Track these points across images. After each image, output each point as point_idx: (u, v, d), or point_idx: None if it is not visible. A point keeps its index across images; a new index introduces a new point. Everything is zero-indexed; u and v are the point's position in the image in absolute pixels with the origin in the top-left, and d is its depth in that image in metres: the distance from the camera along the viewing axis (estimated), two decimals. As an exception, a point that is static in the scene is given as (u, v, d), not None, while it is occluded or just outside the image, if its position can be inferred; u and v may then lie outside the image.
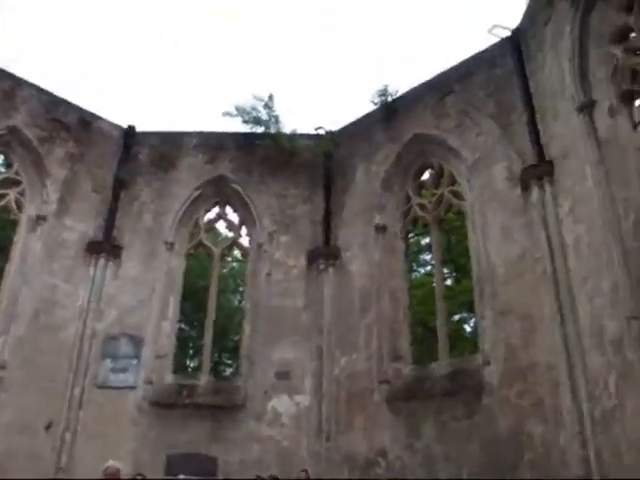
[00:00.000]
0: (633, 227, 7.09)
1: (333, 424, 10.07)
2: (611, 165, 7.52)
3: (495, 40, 10.51)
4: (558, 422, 7.58)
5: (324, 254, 11.42)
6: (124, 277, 11.45)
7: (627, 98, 7.78)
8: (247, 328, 11.48)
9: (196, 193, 12.34)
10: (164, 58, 39.75)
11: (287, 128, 12.67)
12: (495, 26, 10.38)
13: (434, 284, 12.20)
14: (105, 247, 11.43)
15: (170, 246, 11.85)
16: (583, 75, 8.18)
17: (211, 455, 10.06)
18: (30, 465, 9.52)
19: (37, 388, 10.00)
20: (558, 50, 8.74)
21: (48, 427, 9.95)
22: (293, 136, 12.52)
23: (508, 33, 10.37)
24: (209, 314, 11.97)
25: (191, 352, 20.46)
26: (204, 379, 11.21)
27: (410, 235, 12.57)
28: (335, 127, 12.73)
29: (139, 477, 8.18)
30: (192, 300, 16.28)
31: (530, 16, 9.86)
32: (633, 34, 7.70)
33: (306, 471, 9.13)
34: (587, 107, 8.01)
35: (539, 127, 9.25)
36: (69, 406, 10.18)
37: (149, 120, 37.14)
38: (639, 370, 6.46)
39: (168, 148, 12.60)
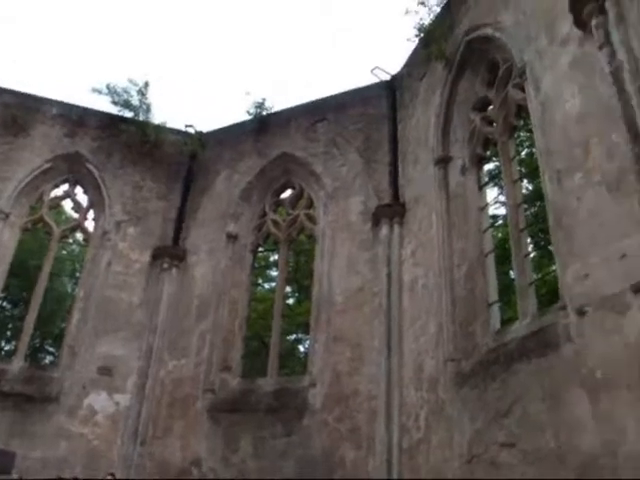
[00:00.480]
0: (464, 277, 7.78)
1: (151, 428, 9.72)
2: (455, 218, 8.22)
3: (375, 80, 11.08)
4: (370, 449, 7.99)
5: (170, 253, 11.14)
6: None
7: (477, 161, 8.60)
8: (75, 316, 10.76)
9: (46, 165, 11.49)
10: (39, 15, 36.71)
11: (157, 119, 12.29)
12: (377, 67, 10.96)
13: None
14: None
15: (5, 216, 10.89)
16: (445, 132, 8.91)
17: (8, 450, 9.23)
18: None
19: None
20: (428, 105, 9.43)
21: None
22: (161, 128, 12.14)
23: (387, 77, 10.99)
24: (36, 294, 11.09)
25: (9, 334, 18.75)
26: (17, 364, 10.29)
27: (260, 249, 12.70)
28: (206, 128, 12.59)
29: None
30: (21, 278, 15.01)
31: (408, 67, 10.55)
32: (491, 107, 8.55)
33: (112, 475, 8.73)
34: (443, 161, 8.73)
35: (399, 169, 9.87)
36: None
37: (7, 76, 33.99)
38: (448, 409, 7.05)
39: (23, 111, 11.64)
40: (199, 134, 12.40)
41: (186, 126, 12.50)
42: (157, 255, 11.15)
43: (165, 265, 11.00)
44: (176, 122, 12.77)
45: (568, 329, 5.57)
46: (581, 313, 5.44)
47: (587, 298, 5.40)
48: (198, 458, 9.20)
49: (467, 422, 6.66)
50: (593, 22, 5.54)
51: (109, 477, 8.55)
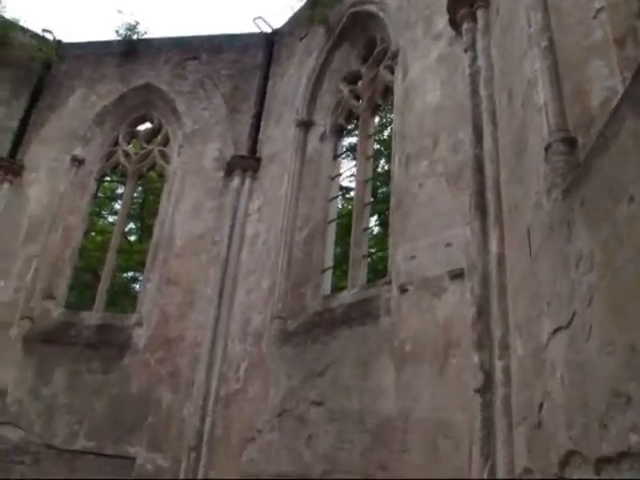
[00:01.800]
0: (304, 240, 7.95)
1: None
2: (306, 182, 8.33)
3: (256, 30, 10.75)
4: (188, 394, 7.98)
5: (5, 167, 10.08)
6: None
7: (338, 131, 8.74)
8: None
9: None
10: None
11: (8, 14, 10.97)
12: (260, 18, 10.62)
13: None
14: None
15: None
16: (313, 97, 8.93)
17: None
18: None
19: None
20: (302, 67, 9.36)
21: None
22: (12, 24, 10.86)
23: (269, 30, 10.71)
24: None
25: None
26: None
27: (107, 179, 12.00)
28: (67, 39, 11.50)
29: None
30: None
31: (291, 25, 10.36)
32: (361, 82, 8.70)
33: None
34: (305, 125, 8.76)
35: (262, 124, 9.75)
36: None
37: None
38: (269, 364, 7.24)
39: None
40: (57, 43, 11.28)
41: (43, 30, 11.31)
42: (-12, 165, 10.06)
43: (-3, 177, 9.98)
44: (32, 24, 11.52)
45: (389, 303, 5.91)
46: (403, 290, 5.79)
47: (410, 277, 5.76)
48: (4, 389, 8.60)
49: (284, 378, 6.89)
50: (464, 26, 5.79)
51: None
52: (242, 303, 8.16)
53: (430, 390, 5.03)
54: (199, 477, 7.31)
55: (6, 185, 10.05)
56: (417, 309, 5.56)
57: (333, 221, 8.24)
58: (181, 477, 7.42)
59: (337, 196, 8.94)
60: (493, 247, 4.62)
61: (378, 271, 8.47)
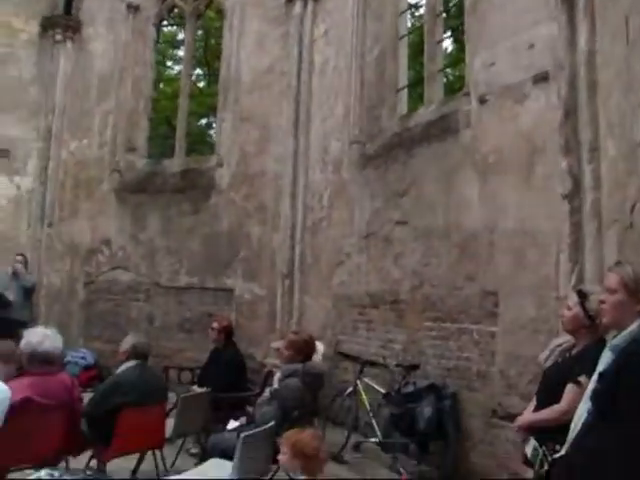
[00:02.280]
0: (375, 61, 7.54)
1: (57, 210, 9.63)
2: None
3: None
4: (275, 226, 8.32)
5: (63, 24, 9.89)
6: None
7: None
8: (-44, 95, 9.81)
9: None
10: None
11: None
12: None
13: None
14: None
15: None
16: None
17: None
18: None
19: None
20: None
21: None
22: None
23: None
24: None
25: None
26: None
27: (165, 23, 11.64)
28: None
29: None
30: None
31: None
32: None
33: (23, 255, 8.78)
34: None
35: None
36: None
37: None
38: (351, 189, 7.31)
39: None
40: None
41: None
42: (47, 25, 9.88)
43: (58, 37, 9.84)
44: None
45: (469, 116, 5.64)
46: (483, 101, 5.47)
47: (490, 86, 5.39)
48: (107, 238, 9.35)
49: (367, 201, 6.98)
50: None
51: (19, 257, 8.61)
52: (318, 132, 8.07)
53: (516, 200, 4.93)
54: (295, 302, 7.88)
55: (69, 44, 9.95)
56: (498, 118, 5.28)
57: (404, 37, 7.69)
58: (277, 303, 8.03)
59: (407, 10, 8.24)
60: (582, 43, 4.19)
61: (455, 90, 7.98)
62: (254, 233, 8.53)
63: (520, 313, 4.72)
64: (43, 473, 1.59)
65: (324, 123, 8.01)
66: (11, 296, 8.23)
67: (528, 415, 3.02)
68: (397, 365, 5.80)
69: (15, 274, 8.41)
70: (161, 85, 15.35)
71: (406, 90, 7.64)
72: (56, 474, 1.58)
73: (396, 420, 5.29)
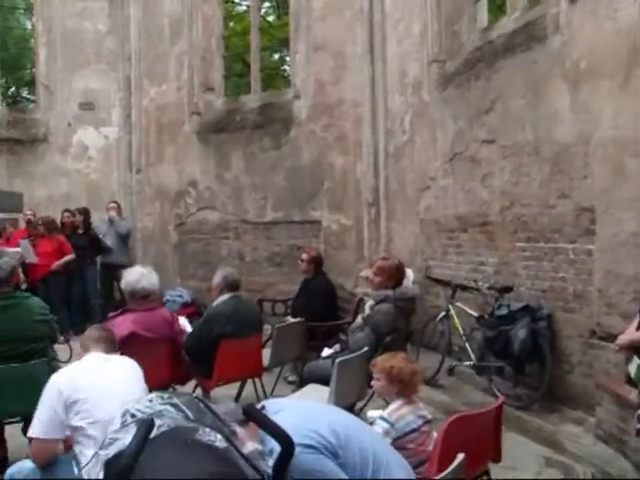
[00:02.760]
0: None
1: (143, 156, 10.07)
2: None
3: None
4: (357, 155, 8.26)
5: (129, -30, 10.02)
6: None
7: None
8: (42, 53, 10.24)
9: None
10: None
11: None
12: None
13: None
14: None
15: None
16: None
17: (15, 191, 9.66)
18: None
19: None
20: None
21: None
22: None
23: None
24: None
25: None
26: (-3, 112, 10.15)
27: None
28: None
29: None
30: None
31: None
32: None
33: (116, 202, 9.29)
34: None
35: None
36: None
37: None
38: (432, 111, 7.08)
39: None
40: None
41: None
42: (115, -26, 10.05)
43: (126, -16, 10.02)
44: None
45: (557, 19, 5.21)
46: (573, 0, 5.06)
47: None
48: (194, 179, 9.66)
49: (450, 122, 6.74)
50: None
51: (112, 204, 9.12)
52: (395, 54, 7.80)
53: (612, 107, 4.59)
54: (382, 229, 7.89)
55: (137, -10, 10.07)
56: (593, 18, 4.85)
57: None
58: (364, 232, 8.07)
59: None
60: None
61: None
62: (337, 163, 8.52)
63: (620, 228, 4.48)
64: (153, 396, 1.72)
65: (400, 45, 7.72)
66: (109, 242, 8.78)
67: (631, 334, 2.92)
68: (489, 288, 5.73)
69: (111, 221, 8.93)
70: (231, 23, 15.27)
71: (485, 0, 7.17)
72: (165, 396, 1.70)
73: (490, 343, 5.28)
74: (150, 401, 1.70)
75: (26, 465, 2.64)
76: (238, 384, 4.70)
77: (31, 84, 15.59)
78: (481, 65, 6.27)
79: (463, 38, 6.93)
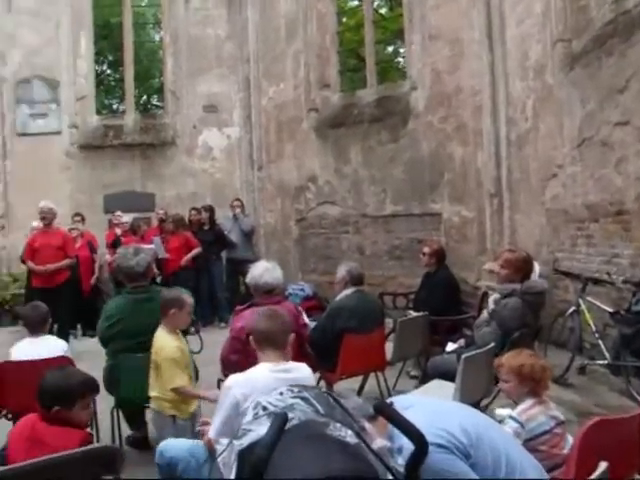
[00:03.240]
0: None
1: (264, 154, 10.42)
2: None
3: None
4: (477, 144, 8.00)
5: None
6: (19, 10, 10.24)
7: None
8: (169, 62, 10.96)
9: None
10: None
11: None
12: None
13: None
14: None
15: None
16: None
17: (147, 192, 10.42)
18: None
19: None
20: None
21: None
22: None
23: None
24: (126, 48, 11.23)
25: (116, 96, 19.62)
26: (130, 118, 10.97)
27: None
28: None
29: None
30: (109, 40, 15.19)
31: None
32: None
33: (239, 199, 9.68)
34: None
35: None
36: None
37: None
38: (556, 94, 6.68)
39: None
40: None
41: None
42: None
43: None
44: None
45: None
46: None
47: None
48: (313, 175, 9.83)
49: (577, 105, 6.33)
50: None
51: (236, 202, 9.52)
52: (515, 37, 7.45)
53: None
54: (505, 221, 7.59)
55: (254, -4, 10.41)
56: None
57: None
58: (487, 223, 7.81)
59: None
60: None
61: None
62: (457, 154, 8.32)
63: None
64: (284, 389, 1.77)
65: (520, 26, 7.36)
66: (234, 238, 9.17)
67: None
68: (625, 282, 5.33)
69: (235, 217, 9.32)
70: (343, 19, 15.34)
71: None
72: (295, 389, 1.75)
73: (627, 341, 4.90)
74: (281, 394, 1.75)
75: (178, 444, 2.87)
76: (360, 378, 4.73)
77: (159, 92, 16.71)
78: (614, 40, 5.82)
79: (592, 13, 6.47)
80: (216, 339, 4.60)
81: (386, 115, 9.11)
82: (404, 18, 9.20)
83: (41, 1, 10.34)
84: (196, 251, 8.63)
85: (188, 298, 3.66)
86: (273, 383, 2.49)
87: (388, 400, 1.99)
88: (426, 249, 6.46)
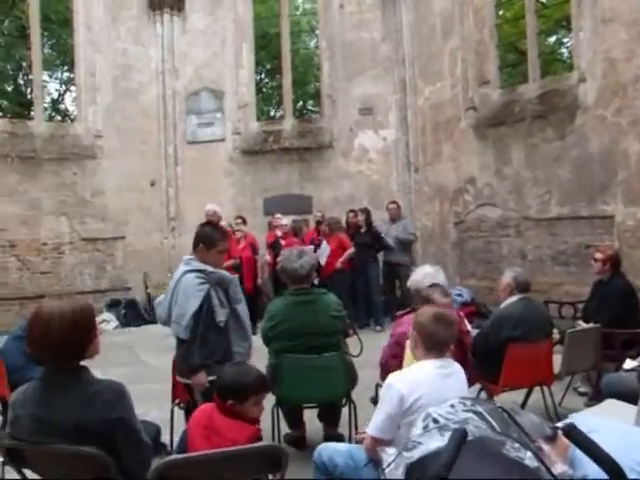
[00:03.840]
0: None
1: (420, 156, 10.36)
2: None
3: None
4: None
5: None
6: (192, 31, 11.25)
7: None
8: (325, 66, 11.30)
9: None
10: None
11: None
12: None
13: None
14: (167, 1, 11.01)
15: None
16: None
17: (305, 194, 10.79)
18: (145, 217, 10.78)
19: (134, 151, 10.77)
20: None
21: (152, 184, 10.96)
22: None
23: None
24: (284, 56, 11.75)
25: (274, 102, 20.63)
26: (288, 123, 11.46)
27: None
28: None
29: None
30: (267, 49, 16.00)
31: None
32: None
33: (395, 202, 9.65)
34: None
35: None
36: (166, 164, 11.07)
37: None
38: None
39: None
40: None
41: None
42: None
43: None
44: None
45: None
46: None
47: None
48: (472, 176, 9.54)
49: None
50: None
51: (392, 205, 9.50)
52: None
53: None
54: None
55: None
56: None
57: None
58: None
59: None
60: None
61: None
62: (632, 150, 7.58)
63: None
64: (455, 401, 1.71)
65: None
66: (391, 241, 9.14)
67: None
68: None
69: (392, 220, 9.32)
70: (500, 11, 14.72)
71: None
72: (468, 402, 1.68)
73: None
74: (452, 406, 1.70)
75: (338, 446, 2.93)
76: (524, 391, 4.49)
77: (315, 96, 17.24)
78: None
79: None
80: (371, 343, 4.61)
81: (550, 111, 8.57)
82: (571, 3, 8.60)
83: (210, 20, 11.25)
84: (350, 251, 8.73)
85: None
86: (436, 379, 2.54)
87: (567, 421, 1.85)
88: (598, 255, 5.97)
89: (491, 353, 4.10)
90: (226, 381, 2.66)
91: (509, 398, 4.30)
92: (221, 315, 3.57)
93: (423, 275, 4.00)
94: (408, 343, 2.99)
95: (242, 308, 3.79)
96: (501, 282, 4.49)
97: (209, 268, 3.61)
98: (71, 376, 2.21)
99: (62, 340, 2.12)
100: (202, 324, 3.48)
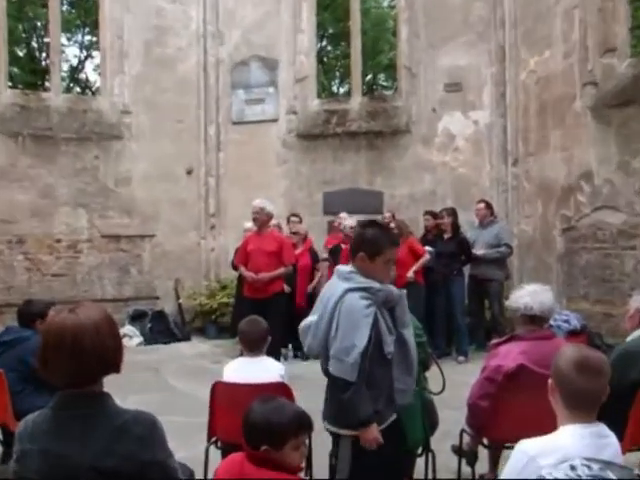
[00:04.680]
0: None
1: (521, 144, 10.15)
2: None
3: None
4: None
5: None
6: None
7: None
8: (403, 32, 11.20)
9: None
10: None
11: None
12: None
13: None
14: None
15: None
16: None
17: (374, 190, 10.71)
18: (179, 211, 10.96)
19: (168, 132, 10.97)
20: None
21: (189, 173, 11.11)
22: None
23: None
24: (353, 16, 11.72)
25: (338, 75, 20.63)
26: (356, 102, 11.43)
27: None
28: None
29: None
30: (331, 9, 16.03)
31: None
32: None
33: (485, 202, 9.42)
34: None
35: None
36: (206, 149, 11.25)
37: None
38: None
39: None
40: None
41: None
42: None
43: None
44: None
45: None
46: None
47: None
48: (588, 170, 9.23)
49: None
50: None
51: (480, 205, 9.28)
52: None
53: None
54: None
55: None
56: None
57: None
58: None
59: None
60: None
61: None
62: None
63: None
64: (578, 462, 1.60)
65: None
66: (479, 249, 8.89)
67: None
68: None
69: (482, 225, 9.13)
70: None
71: None
72: (595, 466, 1.57)
73: None
74: (572, 468, 1.59)
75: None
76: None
77: (389, 69, 17.14)
78: None
79: None
80: (453, 377, 4.45)
81: None
82: None
83: (264, -28, 11.33)
84: (425, 259, 8.59)
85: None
86: (588, 451, 2.24)
87: None
88: None
89: (612, 401, 3.90)
90: (257, 423, 2.53)
91: (632, 460, 4.10)
92: (390, 345, 3.36)
93: (527, 295, 3.90)
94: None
95: (409, 333, 3.61)
96: (629, 307, 4.30)
97: (375, 285, 3.37)
98: (92, 403, 2.17)
99: (90, 355, 2.11)
100: (368, 358, 3.26)
